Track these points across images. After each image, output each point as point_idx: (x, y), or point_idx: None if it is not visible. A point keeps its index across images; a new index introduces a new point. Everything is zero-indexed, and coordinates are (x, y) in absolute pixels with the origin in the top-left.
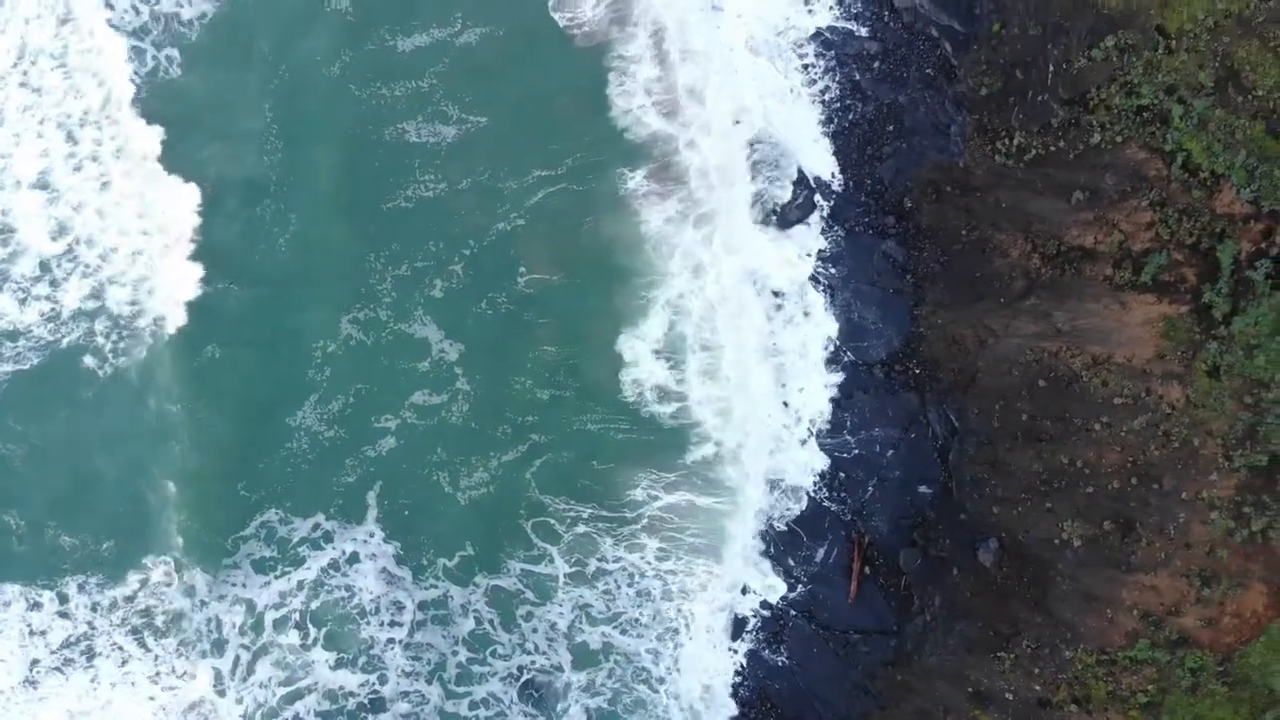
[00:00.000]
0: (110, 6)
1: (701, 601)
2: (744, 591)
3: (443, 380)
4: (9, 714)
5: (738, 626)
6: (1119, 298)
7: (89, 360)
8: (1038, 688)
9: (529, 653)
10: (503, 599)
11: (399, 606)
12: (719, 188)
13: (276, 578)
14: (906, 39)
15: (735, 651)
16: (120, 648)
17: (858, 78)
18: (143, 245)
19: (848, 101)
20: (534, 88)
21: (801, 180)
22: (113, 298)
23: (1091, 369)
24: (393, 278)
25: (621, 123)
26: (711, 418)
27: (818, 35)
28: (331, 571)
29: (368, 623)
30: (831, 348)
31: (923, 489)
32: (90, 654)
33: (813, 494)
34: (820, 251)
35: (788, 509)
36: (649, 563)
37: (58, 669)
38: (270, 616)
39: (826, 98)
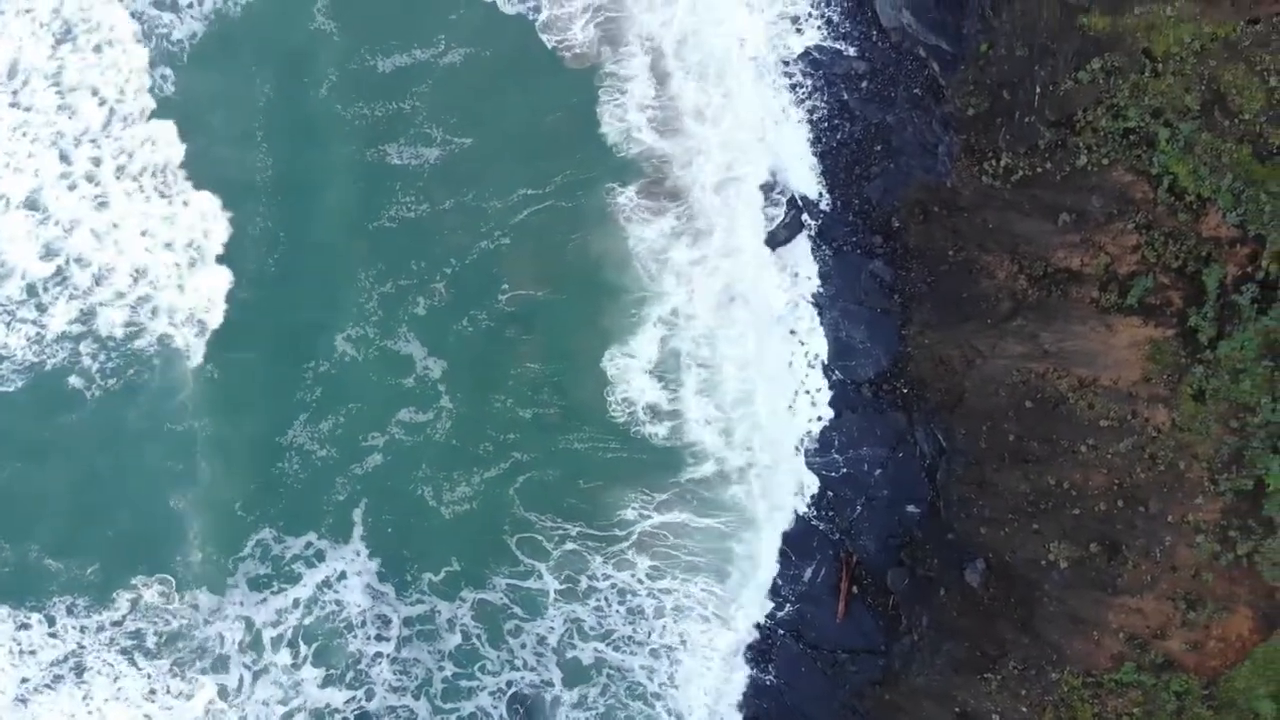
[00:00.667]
0: (99, 26)
1: (698, 619)
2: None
3: (427, 397)
4: None
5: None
6: (1105, 320)
7: (75, 381)
8: (1024, 709)
9: (517, 668)
10: (489, 614)
11: (385, 621)
12: (714, 204)
13: (273, 594)
14: (894, 59)
15: (760, 668)
16: (111, 666)
17: (846, 97)
18: (146, 263)
19: (835, 121)
20: (521, 107)
21: (789, 200)
22: (104, 319)
23: (1078, 391)
24: (379, 295)
25: (612, 140)
26: (712, 436)
27: (806, 55)
28: (325, 589)
29: (354, 636)
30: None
31: (910, 508)
32: (80, 670)
33: (801, 513)
34: (809, 271)
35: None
36: (640, 581)
37: (48, 686)
38: (268, 634)
39: (814, 117)
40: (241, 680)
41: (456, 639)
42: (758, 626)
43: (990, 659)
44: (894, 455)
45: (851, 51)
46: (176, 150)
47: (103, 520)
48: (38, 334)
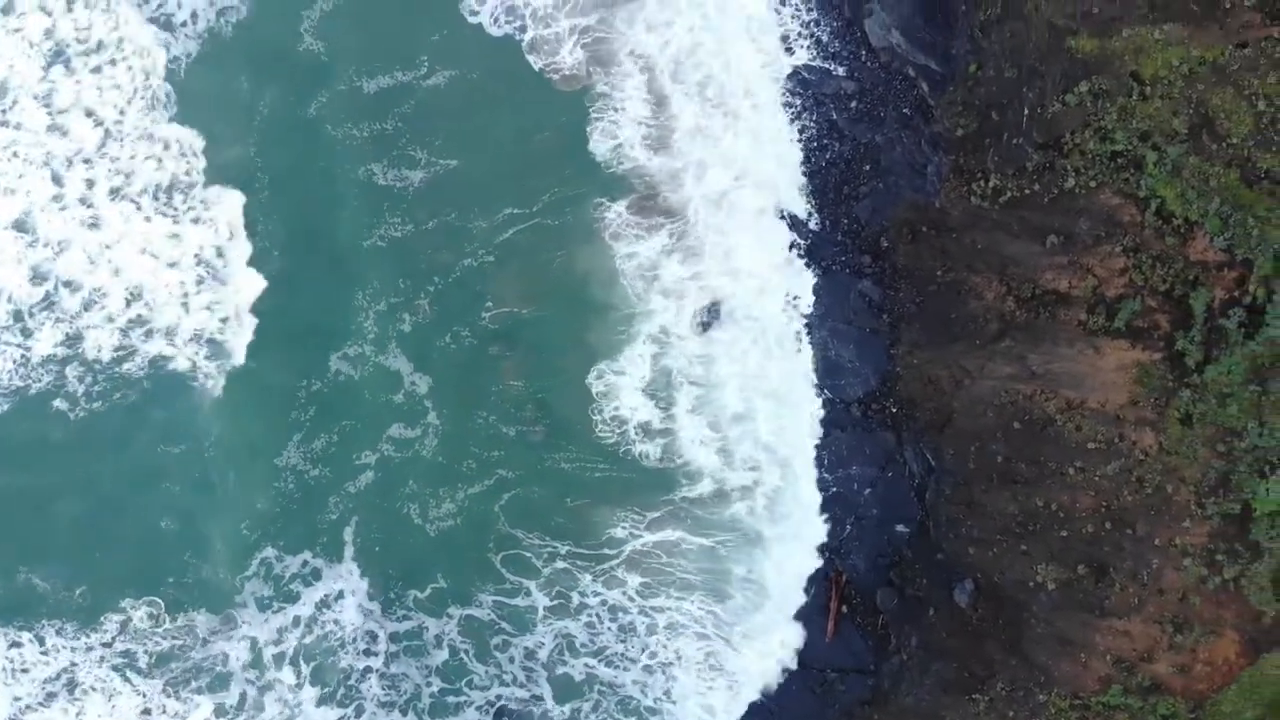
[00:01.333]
0: (102, 46)
1: (694, 635)
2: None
3: (416, 413)
4: None
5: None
6: (1093, 343)
7: (60, 404)
8: None
9: (506, 683)
10: (476, 629)
11: (373, 637)
12: (706, 221)
13: (274, 613)
14: (884, 78)
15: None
16: (105, 682)
17: (835, 117)
18: (142, 284)
19: (825, 140)
20: (510, 126)
21: (783, 219)
22: (92, 341)
23: (1065, 413)
24: (375, 314)
25: (602, 158)
26: (708, 455)
27: (795, 74)
28: (323, 608)
29: (346, 653)
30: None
31: (900, 528)
32: (73, 687)
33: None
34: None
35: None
36: (631, 599)
37: (42, 704)
38: (270, 652)
39: (804, 137)
40: (243, 698)
41: (444, 654)
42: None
43: (978, 680)
44: (883, 475)
45: (841, 71)
46: (175, 169)
47: (92, 543)
48: (24, 357)
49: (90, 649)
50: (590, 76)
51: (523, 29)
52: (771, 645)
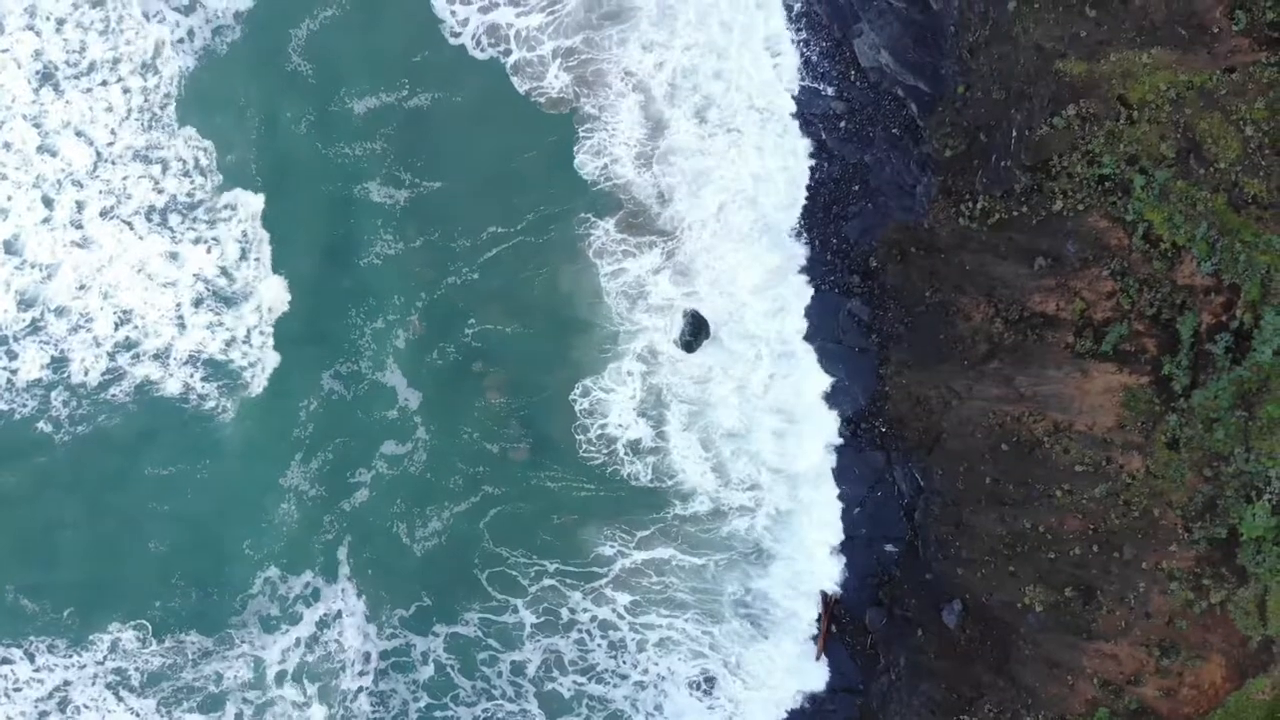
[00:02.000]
0: (94, 67)
1: (689, 653)
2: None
3: (407, 430)
4: None
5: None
6: (1080, 366)
7: (44, 427)
8: None
9: (494, 698)
10: (463, 645)
11: (366, 657)
12: (696, 239)
13: (282, 633)
14: (873, 99)
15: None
16: (98, 703)
17: (824, 137)
18: (131, 306)
19: (814, 160)
20: (494, 146)
21: (770, 239)
22: (79, 362)
23: (1053, 435)
24: (371, 330)
25: (589, 177)
26: (702, 473)
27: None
28: (322, 628)
29: (346, 674)
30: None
31: (889, 547)
32: (65, 705)
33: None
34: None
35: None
36: (621, 616)
37: None
38: (272, 672)
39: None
40: (239, 717)
41: (430, 670)
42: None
43: (966, 701)
44: (872, 494)
45: (830, 91)
46: (171, 189)
47: (81, 565)
48: (9, 379)
49: (83, 666)
50: (578, 98)
51: (506, 52)
52: (773, 676)
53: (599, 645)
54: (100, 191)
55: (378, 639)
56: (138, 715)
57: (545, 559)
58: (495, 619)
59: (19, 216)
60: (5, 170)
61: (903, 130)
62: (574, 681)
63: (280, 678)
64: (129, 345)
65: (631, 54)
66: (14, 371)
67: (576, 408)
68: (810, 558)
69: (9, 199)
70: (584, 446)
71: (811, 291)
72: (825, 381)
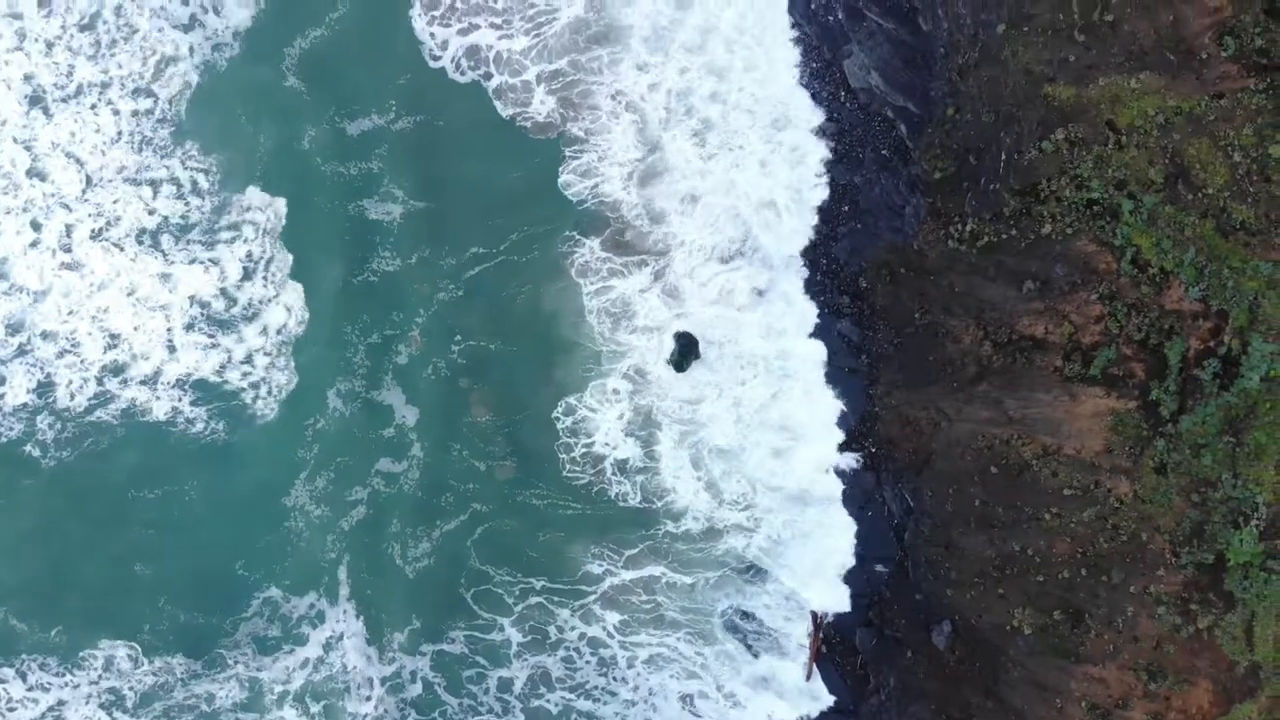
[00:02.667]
0: (83, 89)
1: (681, 673)
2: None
3: (403, 447)
4: None
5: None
6: (1069, 389)
7: (31, 450)
8: None
9: (480, 713)
10: (448, 663)
11: (370, 681)
12: (686, 257)
13: (285, 654)
14: (862, 119)
15: None
16: None
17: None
18: (120, 330)
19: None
20: (481, 168)
21: (760, 260)
22: (64, 386)
23: (1042, 459)
24: (366, 347)
25: (575, 197)
26: (695, 493)
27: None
28: (328, 650)
29: (350, 695)
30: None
31: (879, 567)
32: None
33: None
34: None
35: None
36: (611, 635)
37: None
38: (271, 693)
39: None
40: None
41: (418, 689)
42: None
43: None
44: (863, 514)
45: (820, 111)
46: (166, 211)
47: (69, 586)
48: None
49: (77, 686)
50: (565, 121)
51: (487, 76)
52: (764, 696)
53: (588, 663)
54: (90, 214)
55: (379, 663)
56: None
57: (532, 577)
58: (482, 637)
59: (7, 240)
60: None
61: (892, 151)
62: (562, 697)
63: (282, 699)
64: (117, 369)
65: (623, 75)
66: (0, 396)
67: (559, 426)
68: (804, 581)
69: None
70: (568, 466)
71: (792, 309)
72: (827, 401)
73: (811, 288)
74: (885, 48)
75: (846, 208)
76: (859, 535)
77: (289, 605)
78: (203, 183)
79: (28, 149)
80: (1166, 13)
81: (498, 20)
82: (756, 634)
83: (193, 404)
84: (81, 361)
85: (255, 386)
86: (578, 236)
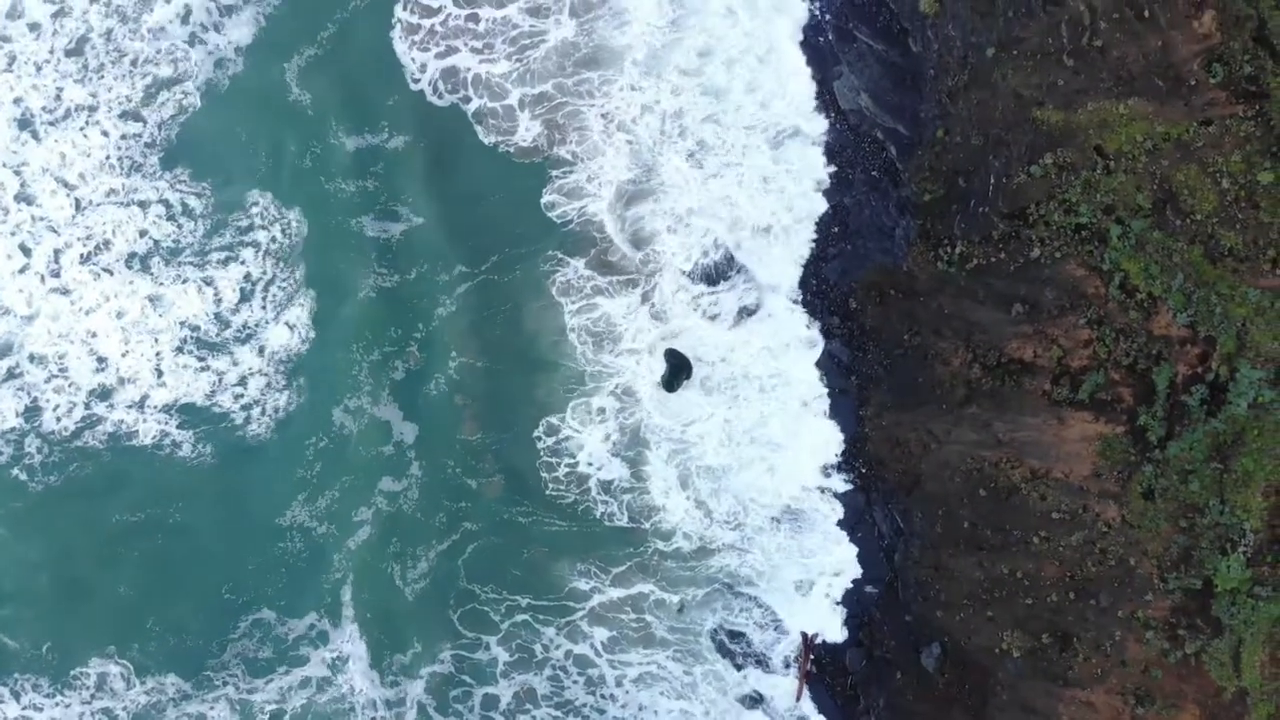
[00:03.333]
0: (71, 112)
1: (671, 694)
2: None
3: (403, 464)
4: None
5: None
6: (1057, 413)
7: (19, 473)
8: None
9: None
10: (438, 684)
11: (374, 704)
12: (673, 275)
13: (281, 675)
14: (852, 140)
15: None
16: None
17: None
18: (109, 354)
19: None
20: (470, 189)
21: (750, 280)
22: (51, 410)
23: (1030, 482)
24: (368, 363)
25: (560, 218)
26: (685, 512)
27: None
28: (335, 671)
29: (354, 717)
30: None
31: (869, 588)
32: None
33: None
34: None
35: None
36: (599, 654)
37: None
38: (264, 714)
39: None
40: None
41: (414, 713)
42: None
43: None
44: (853, 535)
45: (821, 132)
46: (159, 233)
47: (57, 609)
48: None
49: (69, 705)
50: (551, 145)
51: (465, 99)
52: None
53: (575, 681)
54: (79, 239)
55: (382, 685)
56: None
57: (518, 594)
58: (469, 655)
59: None
60: None
61: (882, 173)
62: (549, 714)
63: (277, 718)
64: (104, 393)
65: (615, 97)
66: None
67: (539, 446)
68: (794, 601)
69: None
70: (550, 485)
71: (785, 330)
72: (817, 422)
73: (802, 308)
74: (875, 69)
75: (836, 229)
76: (850, 556)
77: (284, 626)
78: (195, 205)
79: (16, 173)
80: (1155, 39)
81: (478, 44)
82: (746, 654)
83: (180, 427)
84: (69, 385)
85: (248, 408)
86: (562, 256)
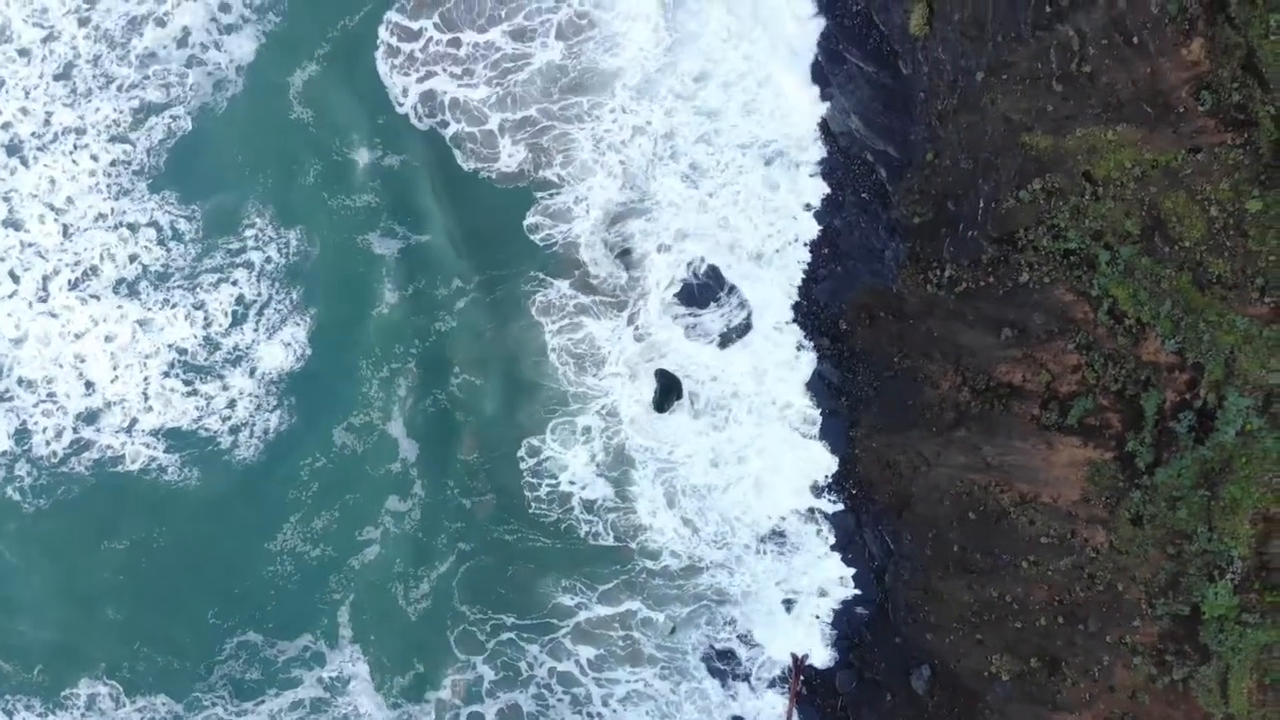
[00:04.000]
0: (59, 136)
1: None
2: None
3: (407, 483)
4: None
5: None
6: (1046, 438)
7: (12, 494)
8: None
9: None
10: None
11: None
12: (658, 297)
13: (273, 697)
14: (842, 163)
15: None
16: None
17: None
18: (97, 378)
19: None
20: (460, 208)
21: (739, 301)
22: (41, 434)
23: (1019, 506)
24: (379, 380)
25: (547, 240)
26: (673, 530)
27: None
28: (332, 693)
29: None
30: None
31: (859, 610)
32: None
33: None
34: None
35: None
36: (584, 670)
37: None
38: None
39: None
40: None
41: None
42: None
43: None
44: (844, 556)
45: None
46: (146, 259)
47: (47, 629)
48: None
49: None
50: (537, 169)
51: (444, 124)
52: None
53: (560, 700)
54: (68, 264)
55: (386, 709)
56: None
57: (502, 613)
58: (458, 676)
59: None
60: None
61: (872, 195)
62: None
63: None
64: (91, 417)
65: (604, 120)
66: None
67: (522, 466)
68: (784, 622)
69: None
70: (533, 505)
71: (775, 348)
72: (807, 443)
73: (792, 329)
74: (865, 91)
75: (827, 250)
76: (838, 576)
77: (273, 649)
78: (186, 228)
79: (5, 200)
80: (1144, 65)
81: (457, 70)
82: (735, 674)
83: (167, 451)
84: (58, 409)
85: (235, 431)
86: (544, 277)
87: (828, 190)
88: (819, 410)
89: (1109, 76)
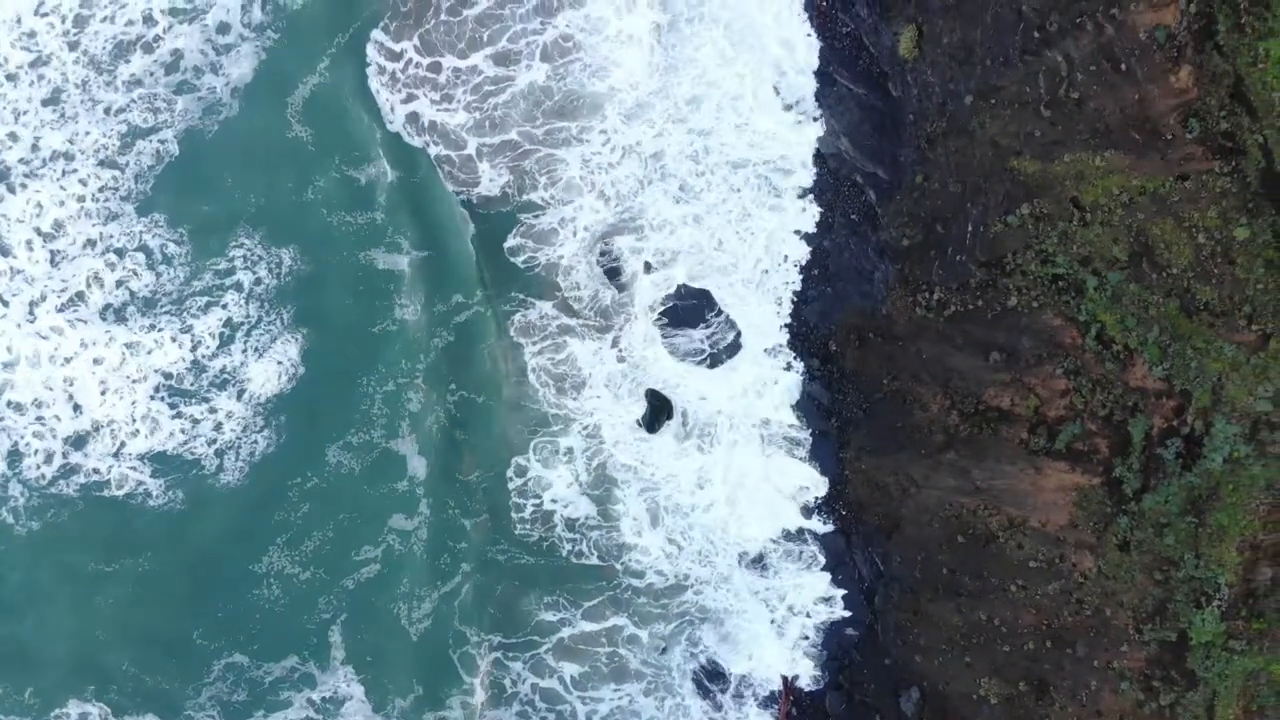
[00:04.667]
0: (49, 160)
1: None
2: None
3: (413, 501)
4: None
5: None
6: (1034, 463)
7: (5, 515)
8: None
9: None
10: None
11: None
12: (641, 315)
13: (259, 718)
14: (832, 184)
15: None
16: None
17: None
18: (85, 401)
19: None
20: (453, 227)
21: (728, 321)
22: (31, 456)
23: (1008, 530)
24: (381, 396)
25: (529, 261)
26: (659, 548)
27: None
28: (324, 715)
29: None
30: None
31: (849, 631)
32: None
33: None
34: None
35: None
36: (568, 688)
37: None
38: None
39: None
40: None
41: None
42: None
43: None
44: (834, 577)
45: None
46: (134, 285)
47: (40, 648)
48: None
49: None
50: (521, 193)
51: (427, 145)
52: None
53: (545, 718)
54: (56, 290)
55: None
56: None
57: (493, 632)
58: (456, 695)
59: None
60: None
61: (861, 217)
62: None
63: None
64: (79, 441)
65: (593, 142)
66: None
67: (510, 486)
68: (774, 642)
69: None
70: (518, 525)
71: (765, 368)
72: (797, 463)
73: (781, 350)
74: (855, 113)
75: (816, 271)
76: (825, 596)
77: (259, 670)
78: (175, 251)
79: None
80: (1132, 92)
81: (436, 95)
82: (724, 693)
83: (154, 475)
84: (49, 433)
85: (221, 454)
86: (525, 298)
87: (818, 212)
88: (808, 431)
89: (1097, 103)
